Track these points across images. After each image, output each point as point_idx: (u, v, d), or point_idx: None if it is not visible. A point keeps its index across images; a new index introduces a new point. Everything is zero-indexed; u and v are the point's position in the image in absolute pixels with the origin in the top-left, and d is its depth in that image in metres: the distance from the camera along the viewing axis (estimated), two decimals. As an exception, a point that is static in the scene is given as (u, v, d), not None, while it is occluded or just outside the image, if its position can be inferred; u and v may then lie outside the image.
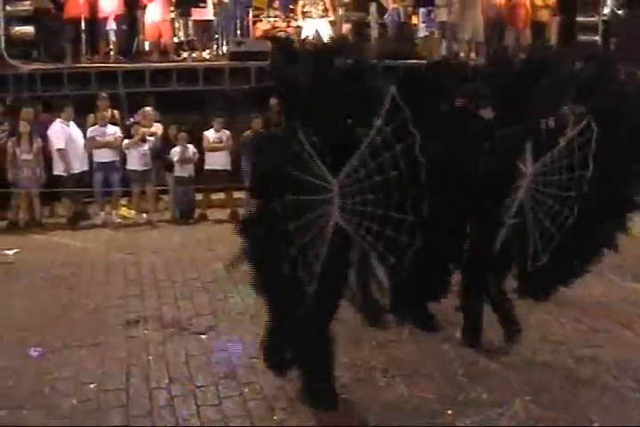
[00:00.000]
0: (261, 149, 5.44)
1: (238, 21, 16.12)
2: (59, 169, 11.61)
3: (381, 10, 16.30)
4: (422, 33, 15.53)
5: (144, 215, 11.86)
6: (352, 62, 5.03)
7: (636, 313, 7.30)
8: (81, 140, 11.80)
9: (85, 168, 11.86)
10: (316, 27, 14.85)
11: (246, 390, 5.74)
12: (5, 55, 13.30)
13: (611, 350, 6.42)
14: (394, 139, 4.84)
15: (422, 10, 15.44)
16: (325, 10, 15.07)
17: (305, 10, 15.09)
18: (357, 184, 4.97)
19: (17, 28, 13.87)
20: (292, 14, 16.07)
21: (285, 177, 5.00)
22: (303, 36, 15.01)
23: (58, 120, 11.71)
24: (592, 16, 16.63)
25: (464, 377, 5.91)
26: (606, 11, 17.15)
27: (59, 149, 11.50)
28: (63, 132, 11.63)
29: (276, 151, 5.18)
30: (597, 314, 7.28)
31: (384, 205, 4.94)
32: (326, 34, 14.82)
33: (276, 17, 15.88)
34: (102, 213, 11.76)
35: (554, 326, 6.98)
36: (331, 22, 15.26)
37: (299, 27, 15.71)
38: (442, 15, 15.40)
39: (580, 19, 16.56)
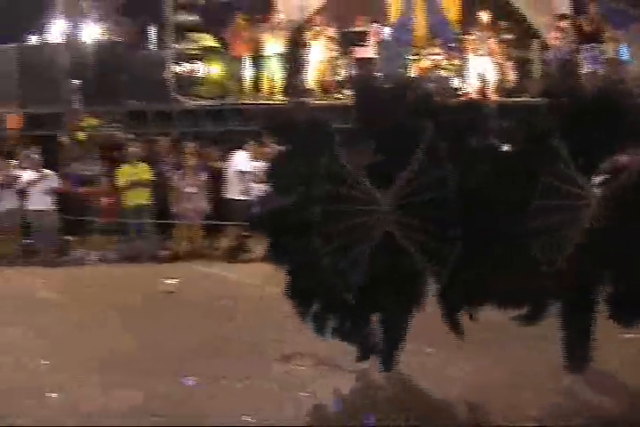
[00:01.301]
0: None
1: (400, 60, 16.23)
2: (232, 193, 11.96)
3: (544, 47, 16.07)
4: (585, 70, 15.16)
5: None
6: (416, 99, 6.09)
7: None
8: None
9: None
10: (482, 64, 14.80)
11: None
12: (173, 92, 13.79)
13: None
14: (432, 167, 5.76)
15: (585, 46, 15.11)
16: (491, 48, 14.92)
17: (474, 46, 14.97)
18: (404, 200, 5.80)
19: (185, 66, 14.39)
20: (452, 52, 16.03)
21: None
22: (468, 73, 15.06)
23: (240, 151, 12.28)
24: None
25: None
26: None
27: (240, 171, 11.85)
28: (245, 159, 12.06)
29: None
30: None
31: (429, 219, 5.78)
32: (491, 71, 14.78)
33: (437, 54, 15.83)
34: (260, 246, 11.91)
35: None
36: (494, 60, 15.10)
37: (460, 64, 15.66)
38: (608, 52, 15.05)
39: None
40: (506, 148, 6.47)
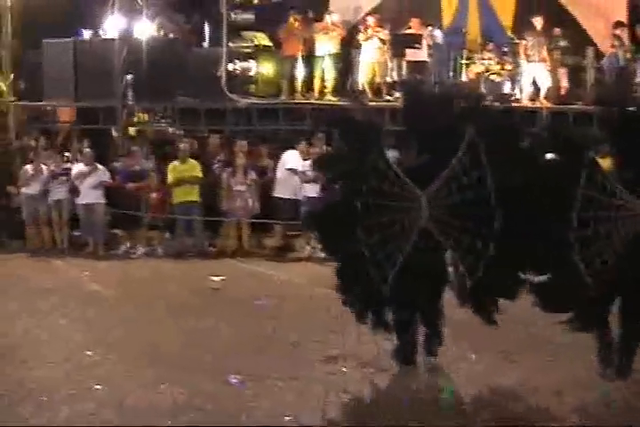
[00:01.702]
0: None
1: (451, 63, 16.17)
2: (280, 192, 12.11)
3: (598, 54, 15.91)
4: (636, 80, 14.96)
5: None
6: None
7: None
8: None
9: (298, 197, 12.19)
10: (535, 70, 14.68)
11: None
12: (226, 89, 13.85)
13: None
14: (471, 168, 6.20)
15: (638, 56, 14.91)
16: (545, 54, 14.79)
17: (528, 52, 14.86)
18: (443, 199, 6.31)
19: (238, 65, 14.46)
20: (505, 57, 15.91)
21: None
22: (521, 79, 14.95)
23: (291, 151, 12.32)
24: None
25: None
26: None
27: (289, 169, 11.98)
28: (296, 158, 12.12)
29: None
30: None
31: (464, 218, 6.27)
32: (544, 78, 14.66)
33: (489, 59, 15.73)
34: (308, 246, 11.96)
35: None
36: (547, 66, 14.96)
37: (513, 70, 15.55)
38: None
39: None
40: (550, 155, 6.64)
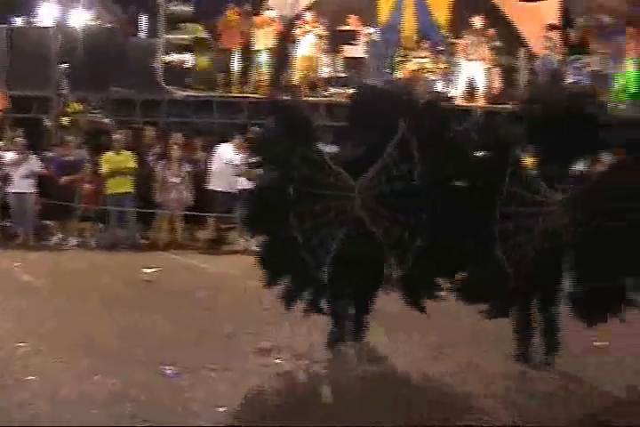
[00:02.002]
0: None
1: (385, 60, 16.33)
2: (215, 185, 12.15)
3: (531, 55, 16.21)
4: (569, 81, 15.30)
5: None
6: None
7: None
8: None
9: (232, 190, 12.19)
10: (473, 69, 14.91)
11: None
12: (162, 81, 13.80)
13: None
14: (402, 161, 6.51)
15: (571, 58, 15.26)
16: (483, 53, 15.04)
17: (467, 51, 15.10)
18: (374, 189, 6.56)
19: (175, 56, 14.42)
20: (440, 55, 16.13)
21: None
22: (457, 77, 15.18)
23: (225, 144, 12.37)
24: None
25: None
26: None
27: (224, 164, 12.09)
28: (230, 151, 12.21)
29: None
30: None
31: (394, 209, 6.53)
32: (480, 77, 14.91)
33: (424, 57, 15.93)
34: (241, 239, 12.00)
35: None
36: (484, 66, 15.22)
37: (447, 68, 15.76)
38: (594, 64, 15.22)
39: None
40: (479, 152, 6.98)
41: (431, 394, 6.45)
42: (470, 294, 6.73)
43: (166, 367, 6.63)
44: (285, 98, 10.14)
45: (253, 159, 7.28)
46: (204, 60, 14.77)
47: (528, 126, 6.82)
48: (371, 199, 6.60)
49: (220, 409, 5.86)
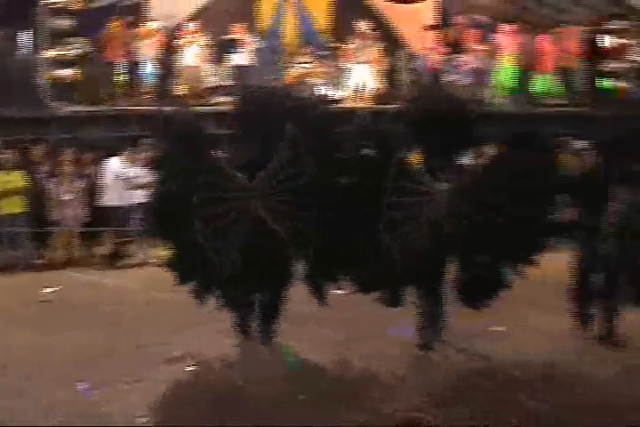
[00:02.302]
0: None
1: (269, 66, 16.50)
2: (109, 200, 12.02)
3: (412, 56, 16.62)
4: (447, 79, 15.79)
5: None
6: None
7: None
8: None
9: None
10: (360, 72, 15.20)
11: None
12: (47, 98, 13.64)
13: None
14: (293, 161, 6.85)
15: (450, 57, 15.75)
16: (367, 56, 15.34)
17: (350, 54, 15.37)
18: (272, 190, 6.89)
19: (59, 71, 14.25)
20: (323, 60, 16.38)
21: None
22: (343, 81, 15.46)
23: (114, 157, 12.21)
24: (620, 63, 16.86)
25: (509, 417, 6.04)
26: (635, 57, 17.40)
27: (116, 178, 11.94)
28: (120, 165, 12.11)
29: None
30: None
31: (290, 207, 6.87)
32: (369, 79, 15.23)
33: (308, 62, 16.15)
34: (140, 252, 11.97)
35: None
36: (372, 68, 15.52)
37: (331, 72, 16.03)
38: (472, 61, 15.71)
39: (607, 65, 16.81)
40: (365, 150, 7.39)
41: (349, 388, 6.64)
42: (365, 284, 7.14)
43: (79, 383, 6.64)
44: (177, 109, 10.23)
45: (154, 173, 7.37)
46: (89, 74, 14.63)
47: (409, 124, 7.22)
48: (268, 199, 6.91)
49: (139, 420, 5.92)
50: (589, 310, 7.77)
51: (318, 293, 7.19)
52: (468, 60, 15.62)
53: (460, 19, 16.08)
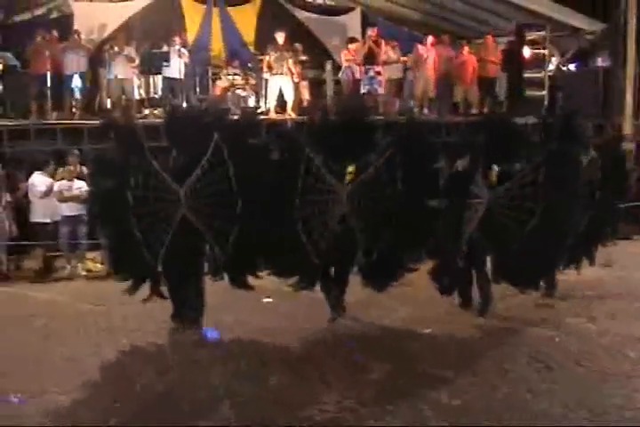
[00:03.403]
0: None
1: (197, 79, 16.66)
2: (37, 216, 11.94)
3: (337, 67, 16.91)
4: (363, 90, 16.09)
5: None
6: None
7: (585, 350, 7.79)
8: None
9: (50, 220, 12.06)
10: (281, 83, 15.39)
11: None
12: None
13: (564, 385, 6.83)
14: (217, 166, 7.87)
15: (365, 68, 16.01)
16: (289, 68, 15.54)
17: (272, 66, 15.57)
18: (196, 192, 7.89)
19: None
20: (250, 72, 16.59)
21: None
22: (268, 91, 15.67)
23: (37, 172, 12.08)
24: (538, 72, 17.39)
25: (428, 412, 6.27)
26: (551, 67, 17.96)
27: (40, 192, 11.87)
28: (44, 182, 11.98)
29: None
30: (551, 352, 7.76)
31: (213, 206, 7.96)
32: (289, 90, 15.43)
33: (235, 74, 16.33)
34: (69, 266, 11.99)
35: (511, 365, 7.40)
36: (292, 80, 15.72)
37: (257, 84, 16.25)
38: (392, 72, 16.03)
39: (526, 74, 17.30)
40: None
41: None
42: (281, 270, 8.21)
43: (12, 396, 6.69)
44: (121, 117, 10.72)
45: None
46: (16, 88, 14.58)
47: (315, 133, 8.16)
48: (194, 199, 7.90)
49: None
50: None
51: (239, 280, 8.23)
52: (381, 71, 15.96)
53: (375, 30, 16.36)
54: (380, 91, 16.00)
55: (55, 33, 14.82)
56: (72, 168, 12.17)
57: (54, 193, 11.92)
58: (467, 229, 8.55)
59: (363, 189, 8.24)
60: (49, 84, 14.38)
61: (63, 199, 11.89)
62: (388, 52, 16.09)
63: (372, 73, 15.82)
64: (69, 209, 11.91)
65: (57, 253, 12.28)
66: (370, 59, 15.83)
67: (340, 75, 16.44)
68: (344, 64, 16.24)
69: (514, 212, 8.57)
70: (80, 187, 11.87)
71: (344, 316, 8.70)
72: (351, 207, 8.20)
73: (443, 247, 8.61)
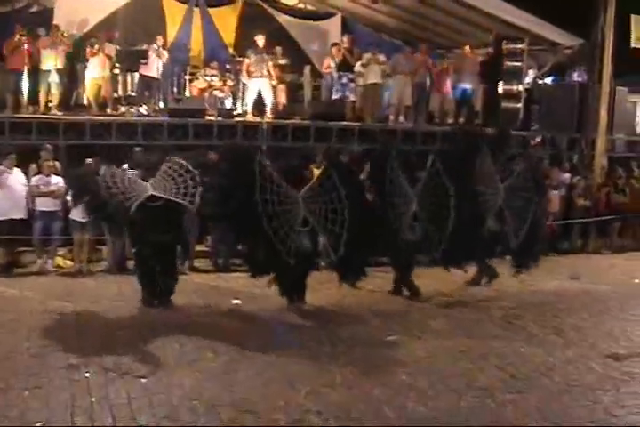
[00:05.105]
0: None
1: (175, 78, 16.67)
2: (3, 213, 11.73)
3: (315, 72, 16.97)
4: (335, 96, 16.16)
5: (81, 264, 12.01)
6: None
7: (550, 361, 7.87)
8: (21, 188, 11.92)
9: (22, 216, 11.92)
10: (259, 86, 15.41)
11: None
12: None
13: (528, 395, 6.89)
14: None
15: (339, 74, 16.03)
16: (268, 71, 15.56)
17: (251, 69, 15.61)
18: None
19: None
20: (228, 74, 16.59)
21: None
22: (246, 94, 15.71)
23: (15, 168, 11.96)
24: (514, 84, 17.50)
25: (395, 420, 6.30)
26: (528, 80, 18.09)
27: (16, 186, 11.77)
28: (4, 178, 11.83)
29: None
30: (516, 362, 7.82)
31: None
32: (267, 93, 15.47)
33: (212, 76, 16.33)
34: (39, 260, 11.91)
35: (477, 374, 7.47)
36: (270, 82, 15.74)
37: (234, 86, 16.26)
38: (368, 78, 16.08)
39: (503, 87, 17.42)
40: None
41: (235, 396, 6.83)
42: (254, 267, 9.45)
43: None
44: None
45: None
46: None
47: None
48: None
49: (37, 424, 5.98)
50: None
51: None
52: (355, 78, 16.03)
53: (349, 38, 16.47)
54: (352, 97, 16.05)
55: (35, 28, 14.70)
56: (51, 163, 12.08)
57: (30, 188, 11.83)
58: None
59: (310, 197, 9.45)
60: (25, 79, 14.30)
61: (39, 194, 11.79)
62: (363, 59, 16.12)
63: (344, 80, 15.87)
64: (45, 204, 11.83)
65: (26, 249, 12.18)
66: (343, 66, 15.85)
67: (321, 80, 16.56)
68: (324, 70, 16.28)
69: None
70: (57, 182, 11.83)
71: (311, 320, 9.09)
72: (306, 211, 9.39)
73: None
